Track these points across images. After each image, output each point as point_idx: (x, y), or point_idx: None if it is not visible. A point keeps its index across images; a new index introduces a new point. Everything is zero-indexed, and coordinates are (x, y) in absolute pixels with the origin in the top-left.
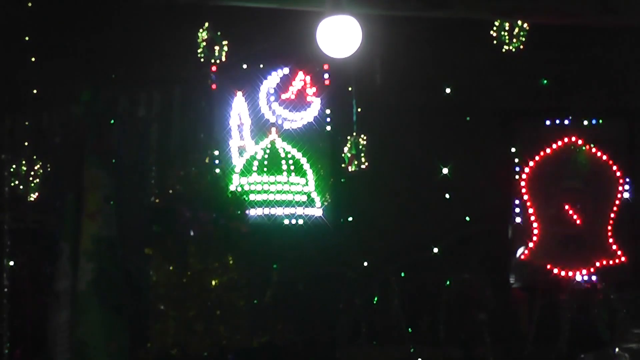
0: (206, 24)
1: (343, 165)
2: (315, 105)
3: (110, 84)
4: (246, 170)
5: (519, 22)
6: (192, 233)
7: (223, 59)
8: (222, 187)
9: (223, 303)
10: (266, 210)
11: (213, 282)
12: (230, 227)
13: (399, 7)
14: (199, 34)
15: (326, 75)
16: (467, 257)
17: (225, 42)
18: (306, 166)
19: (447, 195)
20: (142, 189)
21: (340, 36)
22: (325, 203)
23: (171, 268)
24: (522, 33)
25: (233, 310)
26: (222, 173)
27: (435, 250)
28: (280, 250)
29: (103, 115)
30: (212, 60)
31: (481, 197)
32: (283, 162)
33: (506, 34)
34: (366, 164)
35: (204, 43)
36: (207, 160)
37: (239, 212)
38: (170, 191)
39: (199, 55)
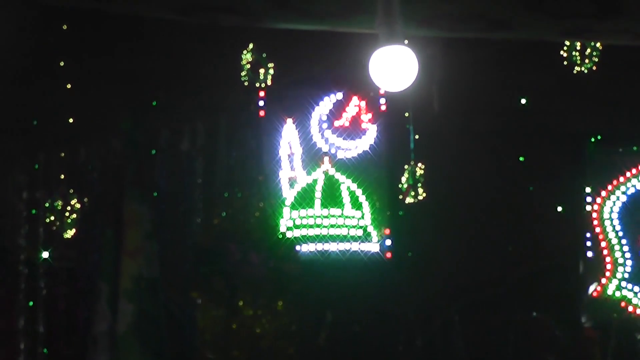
0: (250, 45)
1: (400, 196)
2: (370, 132)
3: (151, 112)
4: (298, 203)
5: (591, 43)
6: (241, 275)
7: (269, 82)
8: (272, 225)
9: (273, 351)
10: (319, 246)
11: (263, 329)
12: (282, 269)
13: (459, 28)
14: (243, 56)
15: (382, 101)
16: (536, 294)
17: (271, 65)
18: (362, 198)
19: (514, 227)
20: (186, 226)
21: (394, 68)
22: (383, 237)
23: (218, 313)
24: (594, 53)
25: (284, 358)
26: (272, 208)
27: (501, 287)
28: (335, 290)
29: (144, 146)
30: (258, 85)
31: (551, 229)
32: (337, 193)
33: (577, 54)
34: (423, 194)
35: (248, 66)
36: (255, 197)
37: (290, 252)
38: (217, 229)
39: (242, 79)
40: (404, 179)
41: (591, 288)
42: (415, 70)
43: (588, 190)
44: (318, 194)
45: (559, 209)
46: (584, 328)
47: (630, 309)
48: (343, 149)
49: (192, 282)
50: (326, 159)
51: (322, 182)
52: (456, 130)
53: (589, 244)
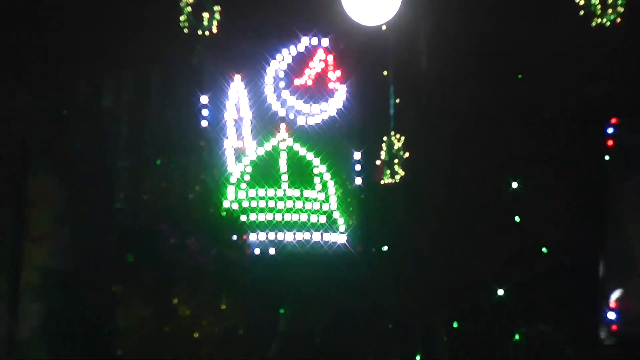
0: None
1: (375, 175)
2: (339, 94)
3: (65, 62)
4: (246, 181)
5: None
6: (176, 265)
7: (214, 29)
8: (215, 203)
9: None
10: (272, 235)
11: (203, 332)
12: (227, 259)
13: None
14: None
15: (355, 54)
16: (543, 302)
17: (217, 8)
18: (326, 176)
19: (516, 219)
20: (108, 205)
21: None
22: (352, 226)
23: (147, 312)
24: (619, 2)
25: None
26: (215, 182)
27: (500, 292)
28: (291, 290)
29: (54, 104)
30: (200, 32)
31: (562, 221)
32: (296, 170)
33: (597, 2)
34: (404, 173)
35: (189, 8)
36: (195, 168)
37: (236, 237)
38: (146, 207)
39: (181, 24)
40: (380, 154)
41: (613, 295)
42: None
43: (610, 173)
44: (271, 170)
45: (574, 195)
46: (603, 345)
47: None
48: (304, 114)
49: (113, 273)
50: (283, 126)
51: (277, 155)
52: (449, 94)
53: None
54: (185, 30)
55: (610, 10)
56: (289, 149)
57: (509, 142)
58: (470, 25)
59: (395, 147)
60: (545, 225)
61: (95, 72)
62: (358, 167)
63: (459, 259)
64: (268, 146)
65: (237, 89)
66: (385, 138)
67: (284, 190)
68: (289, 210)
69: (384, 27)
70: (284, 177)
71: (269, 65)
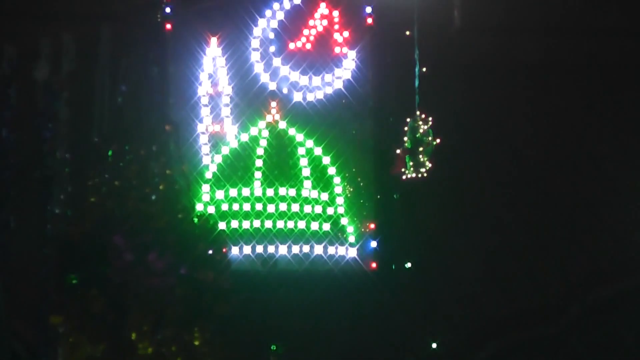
0: None
1: (395, 170)
2: (347, 62)
3: None
4: (225, 177)
5: None
6: (134, 289)
7: None
8: (183, 208)
9: None
10: (259, 249)
11: None
12: (201, 281)
13: None
14: None
15: (368, 10)
16: (622, 331)
17: None
18: (331, 170)
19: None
20: (42, 208)
21: None
22: (365, 237)
23: (97, 349)
24: None
25: None
26: (185, 179)
27: (558, 322)
28: (285, 318)
29: None
30: None
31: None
32: (290, 161)
33: None
34: (433, 168)
35: None
36: (158, 160)
37: (212, 252)
38: (95, 212)
39: None
40: (402, 142)
41: None
42: None
43: None
44: (259, 162)
45: None
46: None
47: None
48: (302, 89)
49: (52, 299)
50: (274, 104)
51: (267, 143)
52: (487, 62)
53: None
54: None
55: None
56: (282, 135)
57: (570, 120)
58: None
59: (421, 131)
60: (622, 231)
61: (27, 33)
62: (373, 158)
63: (505, 279)
64: (254, 131)
65: (213, 56)
66: (408, 119)
67: (276, 189)
68: (282, 216)
69: None
70: (276, 172)
71: (255, 25)
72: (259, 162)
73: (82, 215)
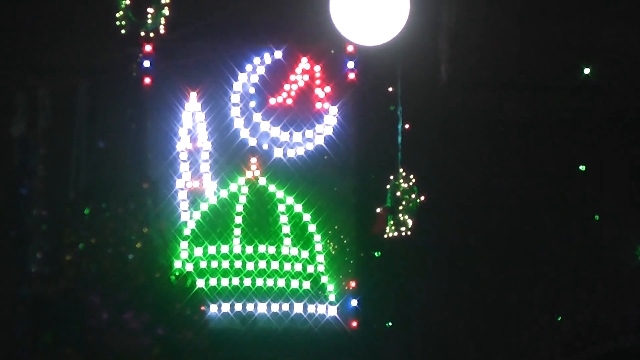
0: None
1: (377, 227)
2: (329, 118)
3: None
4: (204, 234)
5: None
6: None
7: (161, 30)
8: (161, 266)
9: None
10: (238, 306)
11: None
12: (178, 341)
13: None
14: None
15: (350, 65)
16: None
17: (165, 1)
18: (312, 227)
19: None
20: (17, 265)
21: (371, 9)
22: (346, 295)
23: None
24: None
25: None
26: (162, 237)
27: None
28: None
29: None
30: (143, 33)
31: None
32: (270, 219)
33: None
34: (416, 224)
35: (128, 1)
36: (135, 218)
37: (192, 313)
38: (71, 270)
39: (118, 22)
40: (385, 198)
41: None
42: (406, 13)
43: None
44: (238, 219)
45: None
46: None
47: None
48: (282, 145)
49: (26, 358)
50: (254, 160)
51: (246, 199)
52: (471, 118)
53: None
54: (123, 31)
55: None
56: (262, 191)
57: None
58: (499, 27)
59: (403, 189)
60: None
61: (4, 87)
62: (354, 216)
63: (493, 338)
64: (234, 187)
65: (192, 111)
66: (391, 177)
67: (255, 247)
68: (261, 274)
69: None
70: (255, 229)
71: (236, 79)
72: (238, 219)
73: (58, 273)
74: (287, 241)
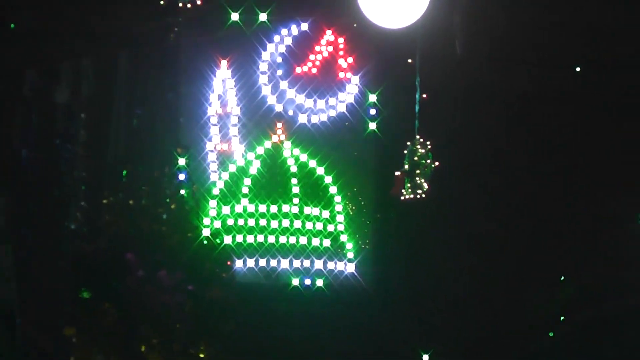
0: None
1: (394, 189)
2: (351, 86)
3: (9, 48)
4: (232, 194)
5: None
6: (144, 304)
7: (198, 1)
8: (193, 226)
9: None
10: (263, 262)
11: None
12: (208, 296)
13: None
14: None
15: (372, 37)
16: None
17: None
18: (332, 189)
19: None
20: (59, 225)
21: None
22: (364, 253)
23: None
24: None
25: None
26: (194, 198)
27: (552, 337)
28: (286, 333)
29: None
30: (181, 4)
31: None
32: (294, 180)
33: None
34: (432, 189)
35: None
36: (170, 181)
37: (220, 269)
38: (107, 230)
39: None
40: (403, 163)
41: None
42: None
43: None
44: (264, 180)
45: None
46: None
47: None
48: (307, 111)
49: (65, 312)
50: (279, 125)
51: (272, 162)
52: (489, 90)
53: None
54: (161, 2)
55: None
56: (287, 154)
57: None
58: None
59: (419, 155)
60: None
61: (46, 58)
62: (373, 179)
63: (502, 295)
64: (260, 150)
65: (222, 78)
66: (408, 143)
67: (279, 206)
68: (285, 231)
69: None
70: (280, 190)
71: (264, 49)
72: (263, 180)
73: (96, 233)
74: (309, 201)
